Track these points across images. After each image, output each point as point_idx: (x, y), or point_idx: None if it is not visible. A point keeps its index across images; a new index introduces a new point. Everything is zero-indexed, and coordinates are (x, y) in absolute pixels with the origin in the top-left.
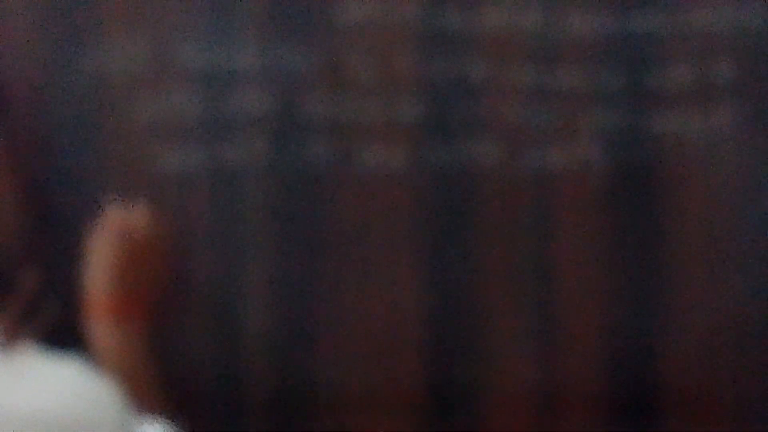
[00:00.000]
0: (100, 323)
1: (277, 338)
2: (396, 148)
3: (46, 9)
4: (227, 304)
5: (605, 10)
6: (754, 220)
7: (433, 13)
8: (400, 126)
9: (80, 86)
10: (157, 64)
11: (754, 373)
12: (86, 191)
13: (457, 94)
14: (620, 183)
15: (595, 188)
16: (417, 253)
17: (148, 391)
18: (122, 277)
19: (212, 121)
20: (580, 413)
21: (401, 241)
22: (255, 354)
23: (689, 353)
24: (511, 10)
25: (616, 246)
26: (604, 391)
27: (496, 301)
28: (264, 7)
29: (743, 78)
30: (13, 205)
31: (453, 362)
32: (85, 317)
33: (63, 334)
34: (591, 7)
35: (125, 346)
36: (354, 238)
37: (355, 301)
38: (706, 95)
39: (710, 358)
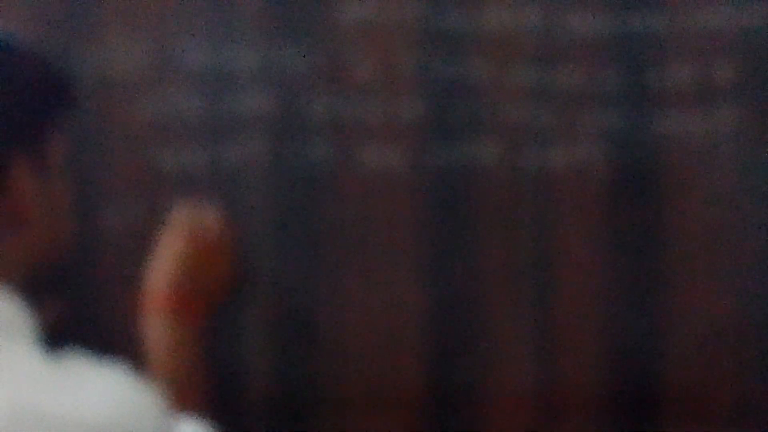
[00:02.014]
0: (157, 317)
1: (277, 338)
2: (396, 148)
3: (46, 9)
4: (226, 303)
5: (605, 10)
6: (755, 220)
7: (434, 13)
8: (401, 126)
9: (80, 86)
10: (157, 65)
11: (754, 373)
12: (88, 190)
13: (458, 94)
14: (621, 183)
15: (596, 188)
16: (417, 253)
17: (192, 389)
18: (185, 274)
19: (212, 121)
20: (580, 413)
21: (401, 241)
22: (254, 353)
23: (690, 354)
24: (511, 10)
25: (616, 246)
26: (605, 392)
27: (497, 301)
28: (264, 7)
29: (744, 78)
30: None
31: (453, 362)
32: (142, 311)
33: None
34: (591, 7)
35: (178, 342)
36: (354, 237)
37: (355, 300)
38: (707, 95)
39: (710, 359)
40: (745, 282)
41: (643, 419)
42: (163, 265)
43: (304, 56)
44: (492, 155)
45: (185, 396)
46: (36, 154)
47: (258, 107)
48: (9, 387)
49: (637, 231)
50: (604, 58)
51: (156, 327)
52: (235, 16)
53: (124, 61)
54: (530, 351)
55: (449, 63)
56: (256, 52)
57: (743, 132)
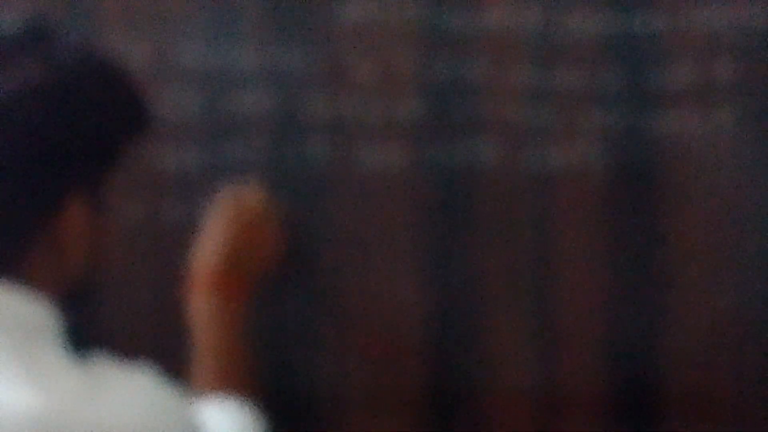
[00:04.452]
0: (202, 297)
1: (277, 338)
2: (396, 148)
3: (45, 8)
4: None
5: (605, 10)
6: (755, 220)
7: (433, 13)
8: (400, 126)
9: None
10: (157, 64)
11: (754, 373)
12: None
13: (457, 94)
14: (620, 183)
15: (595, 188)
16: (417, 253)
17: (233, 370)
18: (230, 254)
19: (212, 120)
20: (580, 413)
21: (401, 241)
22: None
23: (689, 353)
24: (511, 10)
25: (616, 246)
26: (605, 392)
27: (497, 301)
28: (264, 7)
29: (744, 78)
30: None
31: (453, 362)
32: (187, 291)
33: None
34: (591, 7)
35: (221, 322)
36: (354, 237)
37: (354, 300)
38: (706, 95)
39: (710, 358)
40: (745, 282)
41: (644, 419)
42: (210, 246)
43: (305, 57)
44: (492, 155)
45: (226, 375)
46: (94, 193)
47: (258, 107)
48: (39, 391)
49: (636, 231)
50: (604, 58)
51: (200, 306)
52: (235, 16)
53: (124, 61)
54: (530, 351)
55: (449, 63)
56: (256, 52)
57: (743, 132)
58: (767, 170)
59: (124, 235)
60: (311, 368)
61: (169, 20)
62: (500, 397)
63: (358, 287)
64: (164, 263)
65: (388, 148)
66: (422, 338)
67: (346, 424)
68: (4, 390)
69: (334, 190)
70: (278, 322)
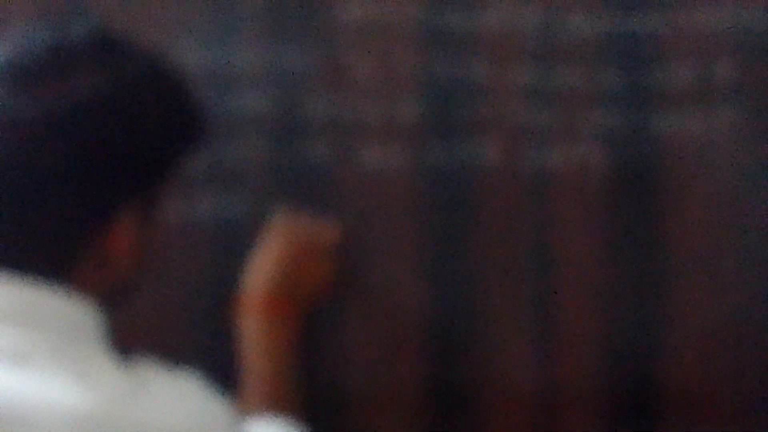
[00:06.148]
0: (253, 321)
1: None
2: (396, 148)
3: (45, 8)
4: (226, 304)
5: (605, 10)
6: (755, 220)
7: (434, 13)
8: (400, 126)
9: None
10: None
11: (754, 373)
12: None
13: (457, 94)
14: (620, 183)
15: (596, 188)
16: (417, 253)
17: (282, 393)
18: (284, 278)
19: (211, 121)
20: (580, 413)
21: (401, 241)
22: None
23: (689, 353)
24: (511, 10)
25: (616, 246)
26: (605, 392)
27: (497, 301)
28: (264, 7)
29: (744, 78)
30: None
31: (453, 362)
32: (239, 313)
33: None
34: (591, 7)
35: (272, 347)
36: (354, 238)
37: (354, 301)
38: (706, 95)
39: (710, 358)
40: (745, 282)
41: (643, 419)
42: (264, 270)
43: (305, 56)
44: (492, 155)
45: (275, 398)
46: (146, 204)
47: (258, 107)
48: (86, 391)
49: (636, 231)
50: (604, 58)
51: (252, 329)
52: (235, 16)
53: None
54: (530, 351)
55: (449, 63)
56: (256, 52)
57: (743, 132)
58: (767, 170)
59: None
60: (311, 368)
61: (169, 20)
62: (500, 397)
63: (357, 286)
64: (162, 263)
65: (388, 148)
66: (422, 338)
67: (345, 424)
68: (52, 390)
69: (333, 190)
70: None
